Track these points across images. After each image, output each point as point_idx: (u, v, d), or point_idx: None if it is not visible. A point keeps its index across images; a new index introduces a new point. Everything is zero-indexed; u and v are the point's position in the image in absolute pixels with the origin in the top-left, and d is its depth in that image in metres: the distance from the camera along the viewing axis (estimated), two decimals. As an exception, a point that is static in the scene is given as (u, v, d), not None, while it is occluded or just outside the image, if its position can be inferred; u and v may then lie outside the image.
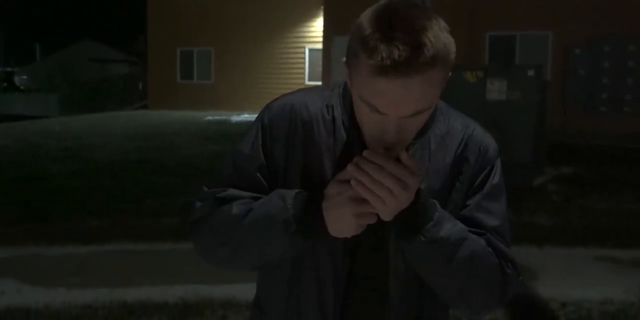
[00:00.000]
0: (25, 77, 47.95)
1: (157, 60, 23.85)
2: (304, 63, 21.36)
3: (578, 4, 14.76)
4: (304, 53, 21.35)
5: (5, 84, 44.43)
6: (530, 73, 8.43)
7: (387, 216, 1.16)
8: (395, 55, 1.04)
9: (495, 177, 1.33)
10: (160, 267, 5.29)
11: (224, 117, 18.37)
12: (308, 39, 21.13)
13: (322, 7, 18.60)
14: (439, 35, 1.08)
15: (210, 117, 18.39)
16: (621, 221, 6.85)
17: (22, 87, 44.49)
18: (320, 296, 1.30)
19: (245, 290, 4.44)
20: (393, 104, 1.09)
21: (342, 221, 1.16)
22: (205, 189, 1.34)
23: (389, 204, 1.12)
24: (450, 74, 1.16)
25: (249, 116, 18.56)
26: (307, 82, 20.42)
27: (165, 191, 8.27)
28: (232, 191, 1.29)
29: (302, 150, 1.29)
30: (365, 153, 1.13)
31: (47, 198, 7.91)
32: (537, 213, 7.21)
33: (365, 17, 1.12)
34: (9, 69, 51.12)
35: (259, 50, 21.75)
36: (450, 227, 1.22)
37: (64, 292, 4.65)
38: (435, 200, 1.23)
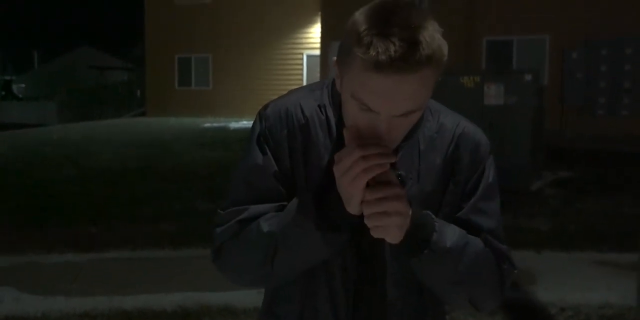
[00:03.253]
0: (23, 85, 47.97)
1: (155, 67, 23.87)
2: (301, 69, 21.39)
3: (575, 7, 14.80)
4: (302, 59, 21.39)
5: (3, 92, 44.47)
6: (527, 78, 8.44)
7: (396, 238, 1.16)
8: (391, 51, 1.04)
9: (490, 177, 1.33)
10: (158, 274, 5.29)
11: (222, 124, 18.37)
12: (306, 45, 21.17)
13: (319, 12, 18.65)
14: (434, 36, 1.08)
15: (208, 124, 18.40)
16: (619, 225, 6.85)
17: (20, 95, 44.53)
18: (333, 299, 1.31)
19: (243, 297, 4.47)
20: (385, 101, 1.09)
21: (354, 185, 1.12)
22: (221, 212, 1.31)
23: (393, 222, 1.13)
24: (439, 78, 1.16)
25: (247, 122, 18.55)
26: (305, 88, 20.41)
27: (162, 198, 8.27)
28: (253, 209, 1.27)
29: (302, 153, 1.29)
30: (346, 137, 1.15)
31: (45, 205, 7.90)
32: (535, 217, 7.21)
33: (362, 14, 1.11)
34: (7, 77, 51.16)
35: (257, 56, 21.78)
36: (451, 234, 1.22)
37: (62, 300, 4.64)
38: (428, 211, 1.23)
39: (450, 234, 1.22)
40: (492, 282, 1.30)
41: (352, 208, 1.14)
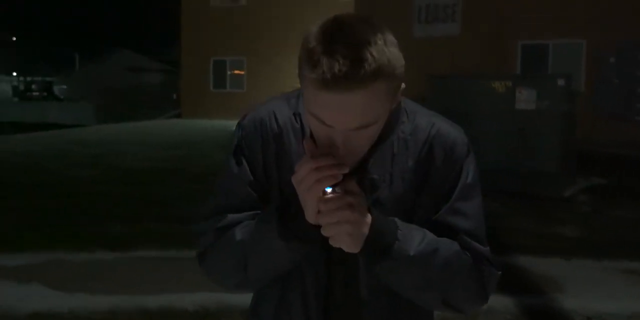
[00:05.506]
0: (64, 86, 48.93)
1: (191, 69, 24.15)
2: (335, 72, 21.42)
3: (611, 12, 14.56)
4: (336, 62, 21.42)
5: (45, 93, 45.46)
6: (560, 82, 8.32)
7: (352, 247, 1.17)
8: (335, 69, 1.05)
9: (468, 177, 1.31)
10: (183, 274, 5.32)
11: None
12: (339, 48, 21.19)
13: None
14: (383, 50, 1.08)
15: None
16: (652, 233, 6.71)
17: (61, 97, 45.43)
18: (305, 302, 1.34)
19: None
20: (336, 117, 1.10)
21: (308, 195, 1.14)
22: (203, 221, 1.37)
23: (344, 230, 1.13)
24: (402, 86, 1.16)
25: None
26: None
27: (190, 198, 8.33)
28: (230, 217, 1.32)
29: (276, 162, 1.32)
30: (306, 145, 1.15)
31: (76, 204, 8.03)
32: (566, 224, 7.09)
33: (312, 31, 1.12)
34: (48, 79, 52.27)
35: (291, 59, 21.77)
36: (418, 241, 1.21)
37: (87, 297, 4.71)
38: (393, 218, 1.22)
39: (416, 241, 1.20)
40: (469, 286, 1.28)
41: (310, 218, 1.16)
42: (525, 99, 8.34)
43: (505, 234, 6.51)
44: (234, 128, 1.39)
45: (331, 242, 1.16)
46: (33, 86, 48.66)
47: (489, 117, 8.53)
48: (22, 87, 51.16)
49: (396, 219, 1.22)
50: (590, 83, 14.84)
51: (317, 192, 1.12)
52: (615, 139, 13.70)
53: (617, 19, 14.50)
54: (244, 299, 4.69)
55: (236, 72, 23.49)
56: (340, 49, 1.06)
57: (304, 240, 1.21)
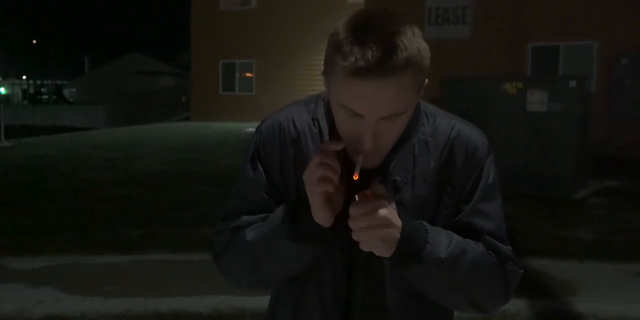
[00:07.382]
0: (74, 89, 49.18)
1: (200, 72, 24.21)
2: (345, 74, 21.40)
3: (624, 12, 14.47)
4: (345, 64, 21.40)
5: (55, 97, 45.74)
6: (572, 84, 8.27)
7: (386, 252, 1.16)
8: (368, 56, 1.07)
9: (489, 178, 1.32)
10: (195, 277, 5.33)
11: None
12: (349, 51, 21.17)
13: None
14: (413, 40, 1.11)
15: (251, 128, 18.54)
16: (666, 236, 6.65)
17: (71, 100, 45.68)
18: (323, 305, 1.33)
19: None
20: (368, 105, 1.11)
21: (312, 193, 1.15)
22: (220, 222, 1.39)
23: (375, 235, 1.13)
24: (427, 81, 1.17)
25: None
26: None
27: (203, 202, 8.35)
28: (244, 218, 1.33)
29: (294, 166, 1.32)
30: (322, 145, 1.16)
31: (89, 207, 8.06)
32: (578, 227, 7.05)
33: (341, 24, 1.14)
34: (58, 82, 52.57)
35: (300, 62, 21.89)
36: (447, 243, 1.21)
37: (100, 301, 4.72)
38: (422, 221, 1.22)
39: (444, 244, 1.20)
40: (495, 286, 1.28)
41: (317, 217, 1.17)
42: (537, 100, 8.30)
43: (519, 237, 6.48)
44: (253, 131, 1.40)
45: (362, 247, 1.16)
46: (43, 89, 48.98)
47: (500, 119, 8.48)
48: (31, 90, 51.50)
49: (424, 222, 1.22)
50: (601, 85, 14.74)
51: (320, 191, 1.13)
52: (631, 141, 13.61)
53: (629, 20, 14.41)
54: (257, 302, 4.67)
55: (245, 74, 23.53)
56: (371, 37, 1.08)
57: (315, 242, 1.22)
